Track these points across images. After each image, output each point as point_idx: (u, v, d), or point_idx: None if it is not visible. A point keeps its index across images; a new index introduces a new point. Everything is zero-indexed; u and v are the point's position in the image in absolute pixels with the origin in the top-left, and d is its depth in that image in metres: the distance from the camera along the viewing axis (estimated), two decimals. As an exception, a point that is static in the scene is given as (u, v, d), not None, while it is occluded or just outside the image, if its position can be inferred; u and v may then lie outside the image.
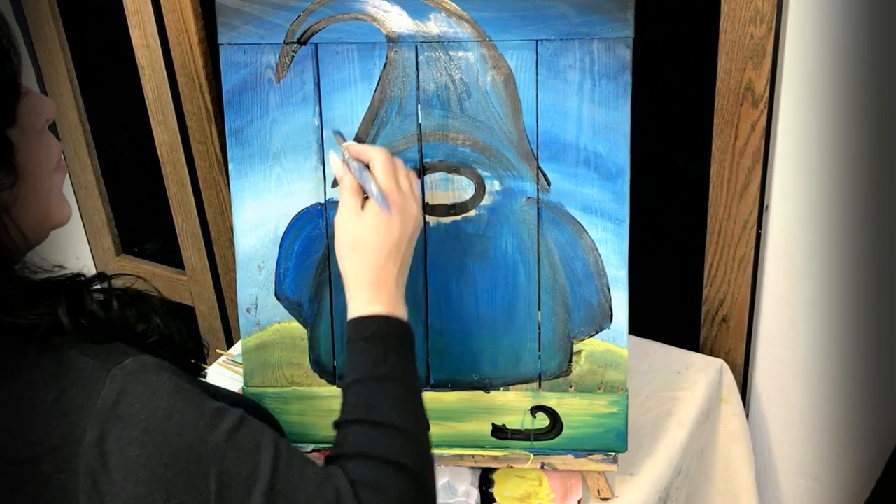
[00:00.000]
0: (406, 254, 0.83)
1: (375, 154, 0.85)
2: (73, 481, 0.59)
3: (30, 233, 0.65)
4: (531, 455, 1.02)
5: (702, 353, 1.28)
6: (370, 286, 0.80)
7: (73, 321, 0.63)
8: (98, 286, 0.68)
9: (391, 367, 0.76)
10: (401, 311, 0.80)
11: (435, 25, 0.93)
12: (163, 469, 0.60)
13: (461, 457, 1.03)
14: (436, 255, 0.98)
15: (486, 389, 1.00)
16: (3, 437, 0.59)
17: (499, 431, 1.01)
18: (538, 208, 0.96)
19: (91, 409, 0.60)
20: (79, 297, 0.65)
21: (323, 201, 0.98)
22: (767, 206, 1.15)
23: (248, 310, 1.00)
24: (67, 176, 1.57)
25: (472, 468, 1.07)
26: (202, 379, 0.76)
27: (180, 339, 0.72)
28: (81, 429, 0.59)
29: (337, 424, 0.74)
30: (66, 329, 0.62)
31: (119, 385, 0.61)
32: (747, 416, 1.29)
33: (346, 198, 0.84)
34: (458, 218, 0.97)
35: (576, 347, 0.98)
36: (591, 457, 1.01)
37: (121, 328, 0.67)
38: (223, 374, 1.28)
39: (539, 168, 0.95)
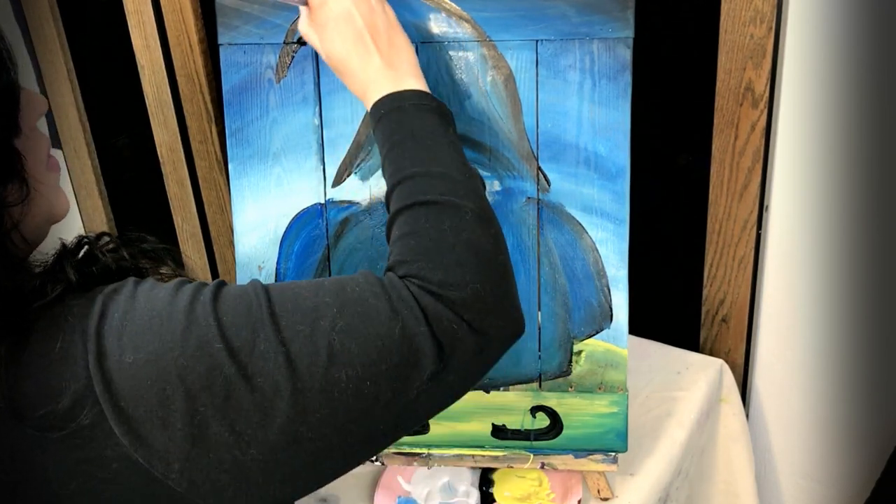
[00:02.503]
0: (384, 40, 0.81)
1: None
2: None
3: (33, 236, 0.65)
4: (531, 455, 1.02)
5: (702, 353, 1.28)
6: (366, 86, 0.81)
7: (80, 274, 0.62)
8: (105, 240, 0.67)
9: (401, 130, 0.76)
10: (408, 85, 0.79)
11: (435, 25, 0.93)
12: (164, 360, 0.58)
13: (461, 457, 1.03)
14: (436, 255, 0.98)
15: (486, 389, 1.00)
16: (35, 406, 0.57)
17: (499, 431, 1.01)
18: (538, 208, 0.96)
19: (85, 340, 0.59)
20: (89, 254, 0.64)
21: (323, 201, 0.98)
22: (767, 206, 1.15)
23: (248, 310, 1.00)
24: (67, 176, 1.57)
25: (472, 468, 1.07)
26: None
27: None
28: (85, 362, 0.58)
29: None
30: (75, 286, 0.61)
31: (100, 305, 0.60)
32: (747, 416, 1.29)
33: (309, 38, 0.85)
34: (458, 218, 0.97)
35: (576, 347, 0.98)
36: (591, 457, 1.01)
37: (133, 275, 0.66)
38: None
39: (539, 168, 0.95)
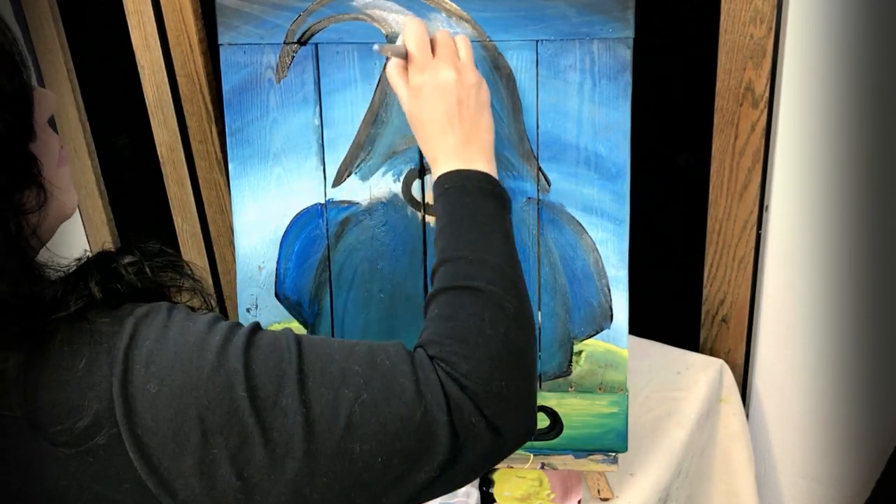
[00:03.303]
0: (469, 120, 0.82)
1: (406, 27, 0.85)
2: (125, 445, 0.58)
3: (47, 236, 0.65)
4: (531, 455, 1.02)
5: (702, 353, 1.28)
6: (438, 154, 0.81)
7: (105, 292, 0.62)
8: (128, 256, 0.67)
9: (462, 209, 0.77)
10: (478, 166, 0.80)
11: (435, 25, 0.93)
12: (187, 396, 0.58)
13: (461, 457, 1.03)
14: (436, 256, 0.98)
15: (487, 389, 1.00)
16: (52, 420, 0.58)
17: (499, 431, 1.01)
18: (538, 208, 0.96)
19: (112, 362, 0.59)
20: (112, 270, 0.64)
21: (323, 201, 0.98)
22: (767, 206, 1.15)
23: (248, 310, 1.00)
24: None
25: (473, 468, 1.07)
26: None
27: (212, 305, 0.72)
28: (109, 384, 0.58)
29: None
30: (98, 303, 0.61)
31: (131, 329, 0.60)
32: (747, 416, 1.29)
33: (396, 87, 0.86)
34: (459, 218, 0.97)
35: (576, 348, 0.98)
36: (591, 457, 1.01)
37: (155, 294, 0.66)
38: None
39: (539, 168, 0.95)
